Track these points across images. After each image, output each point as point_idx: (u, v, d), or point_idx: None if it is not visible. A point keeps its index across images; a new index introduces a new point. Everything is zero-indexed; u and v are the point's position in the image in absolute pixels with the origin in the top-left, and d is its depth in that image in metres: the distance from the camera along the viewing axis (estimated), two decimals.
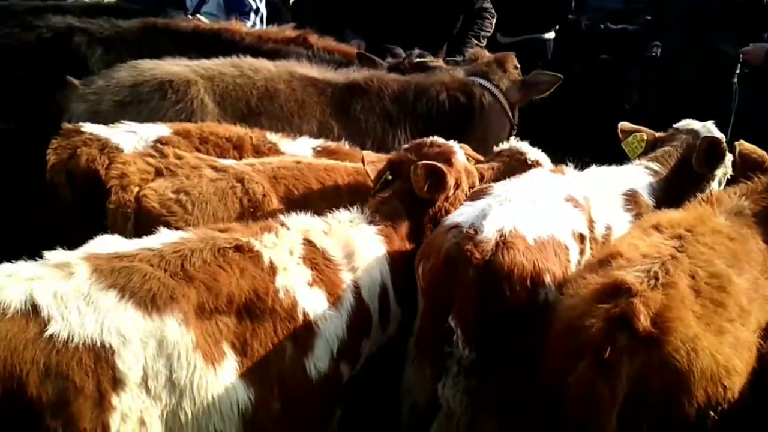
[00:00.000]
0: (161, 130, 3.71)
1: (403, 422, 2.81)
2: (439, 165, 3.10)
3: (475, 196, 3.01)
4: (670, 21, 5.92)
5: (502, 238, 2.60)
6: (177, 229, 2.85)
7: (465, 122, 4.57)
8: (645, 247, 2.53)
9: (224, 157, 3.66)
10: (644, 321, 2.18)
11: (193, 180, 3.32)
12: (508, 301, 2.57)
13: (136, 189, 3.26)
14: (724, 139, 3.62)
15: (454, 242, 2.66)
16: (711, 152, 3.36)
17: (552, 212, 2.86)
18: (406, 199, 3.14)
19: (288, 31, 5.32)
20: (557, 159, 3.87)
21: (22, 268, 2.25)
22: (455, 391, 2.64)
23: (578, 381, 2.22)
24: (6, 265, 2.26)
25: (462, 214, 2.82)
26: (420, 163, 3.09)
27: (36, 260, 2.31)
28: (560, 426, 2.32)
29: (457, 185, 3.18)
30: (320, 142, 3.97)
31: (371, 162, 3.38)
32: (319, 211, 3.01)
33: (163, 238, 2.58)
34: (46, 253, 2.34)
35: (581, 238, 2.91)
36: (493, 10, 6.32)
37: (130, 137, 3.60)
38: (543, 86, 4.83)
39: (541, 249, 2.66)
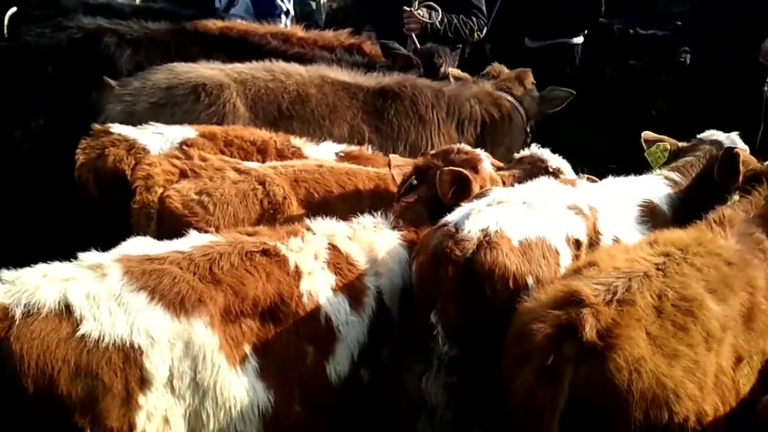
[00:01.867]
0: (187, 132, 3.77)
1: (399, 419, 2.82)
2: (465, 172, 3.11)
3: (474, 197, 3.01)
4: (705, 27, 5.87)
5: (486, 237, 2.60)
6: (198, 229, 2.90)
7: (493, 134, 4.67)
8: (621, 261, 2.51)
9: (248, 160, 3.72)
10: (590, 332, 2.18)
11: (216, 182, 3.37)
12: (489, 300, 2.57)
13: (161, 190, 3.33)
14: (747, 150, 3.58)
15: (438, 240, 2.68)
16: (731, 163, 3.32)
17: (546, 216, 2.84)
18: (431, 205, 3.14)
19: (344, 36, 5.36)
20: (584, 165, 3.88)
21: (57, 268, 2.32)
22: (436, 386, 2.67)
23: (521, 385, 2.24)
24: (42, 266, 2.32)
25: (453, 214, 2.84)
26: (446, 169, 3.10)
27: (70, 261, 2.36)
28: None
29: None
30: (343, 147, 4.00)
31: (397, 166, 3.40)
32: (339, 215, 3.03)
33: (192, 241, 2.63)
34: (81, 255, 2.40)
35: (577, 244, 2.87)
36: (484, 12, 6.27)
37: (157, 138, 3.67)
38: (557, 101, 4.96)
39: (527, 251, 2.66)
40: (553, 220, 2.86)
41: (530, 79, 5.04)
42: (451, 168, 3.11)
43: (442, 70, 5.23)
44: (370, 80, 4.59)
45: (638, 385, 2.18)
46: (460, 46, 6.30)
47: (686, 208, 3.26)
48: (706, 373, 2.35)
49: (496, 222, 2.68)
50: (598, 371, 2.19)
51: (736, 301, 2.55)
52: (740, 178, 3.17)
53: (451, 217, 2.81)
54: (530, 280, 2.62)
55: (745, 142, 3.72)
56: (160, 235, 2.87)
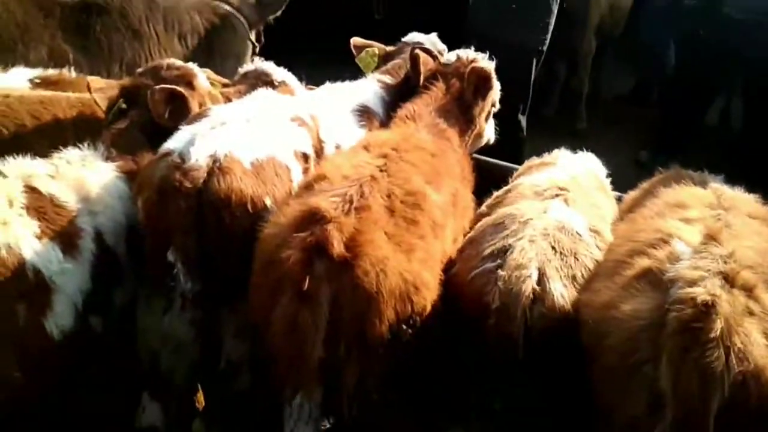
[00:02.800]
0: None
1: (141, 363, 2.67)
2: (179, 89, 2.90)
3: (192, 119, 2.83)
4: None
5: (216, 164, 2.49)
6: None
7: (220, 45, 4.44)
8: (348, 169, 2.53)
9: None
10: (338, 247, 2.21)
11: None
12: (229, 228, 2.49)
13: None
14: (446, 49, 3.76)
15: (164, 172, 2.50)
16: (414, 63, 3.42)
17: (272, 132, 2.78)
18: (147, 129, 2.91)
19: None
20: None
21: None
22: (181, 323, 2.55)
23: (281, 315, 2.20)
24: None
25: (173, 141, 2.64)
26: (157, 87, 2.87)
27: None
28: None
29: None
30: (38, 72, 3.48)
31: (99, 89, 3.04)
32: (40, 152, 2.68)
33: None
34: None
35: (305, 157, 2.88)
36: None
37: None
38: (276, 5, 4.86)
39: (260, 172, 2.59)
40: (280, 135, 2.80)
41: None
42: (163, 86, 2.88)
43: None
44: None
45: (386, 284, 2.25)
46: None
47: (397, 109, 3.36)
48: (435, 260, 2.54)
49: (223, 145, 2.54)
50: (348, 281, 2.22)
51: (447, 189, 2.76)
52: (421, 78, 3.36)
53: (173, 145, 2.60)
54: (268, 201, 2.57)
55: None
56: None
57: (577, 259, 2.48)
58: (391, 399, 2.43)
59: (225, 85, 3.64)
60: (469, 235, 2.75)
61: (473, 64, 3.29)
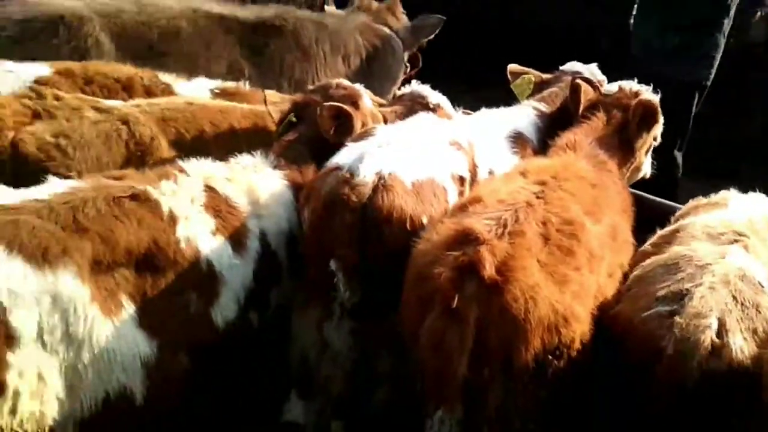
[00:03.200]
0: (41, 69, 3.45)
1: (292, 367, 2.81)
2: (346, 107, 3.04)
3: (359, 137, 2.97)
4: None
5: (381, 181, 2.59)
6: (58, 175, 2.67)
7: (380, 66, 4.65)
8: (504, 194, 2.55)
9: (112, 99, 3.44)
10: (489, 269, 2.21)
11: (73, 122, 3.11)
12: (388, 244, 2.57)
13: (11, 134, 3.03)
14: (605, 81, 3.73)
15: (332, 186, 2.64)
16: (574, 93, 3.43)
17: (432, 155, 2.87)
18: (312, 143, 3.07)
19: None
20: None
21: None
22: (339, 333, 2.66)
23: (429, 330, 2.23)
24: None
25: (342, 157, 2.77)
26: (327, 104, 3.02)
27: None
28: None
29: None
30: (218, 83, 3.81)
31: (274, 103, 3.27)
32: (214, 156, 2.90)
33: (51, 188, 2.42)
34: None
35: (461, 180, 2.95)
36: None
37: (8, 77, 3.35)
38: (429, 29, 5.01)
39: (420, 192, 2.67)
40: (439, 158, 2.89)
41: (400, 9, 5.06)
42: (332, 104, 3.03)
43: None
44: (248, 12, 4.40)
45: (535, 312, 2.24)
46: None
47: (553, 137, 3.37)
48: (589, 294, 2.48)
49: (388, 164, 2.65)
50: (496, 305, 2.22)
51: (606, 220, 2.70)
52: (581, 107, 3.33)
53: (342, 160, 2.74)
54: (425, 221, 2.64)
55: None
56: (17, 183, 2.61)
57: (759, 312, 2.32)
58: (532, 429, 2.38)
59: (380, 105, 3.79)
60: (635, 273, 2.66)
61: (640, 97, 3.22)
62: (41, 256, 2.18)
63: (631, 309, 2.43)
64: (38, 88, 3.26)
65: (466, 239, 2.31)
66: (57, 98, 3.15)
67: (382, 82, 4.39)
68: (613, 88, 3.39)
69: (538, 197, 2.55)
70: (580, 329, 2.39)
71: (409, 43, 4.97)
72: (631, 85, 3.37)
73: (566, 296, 2.35)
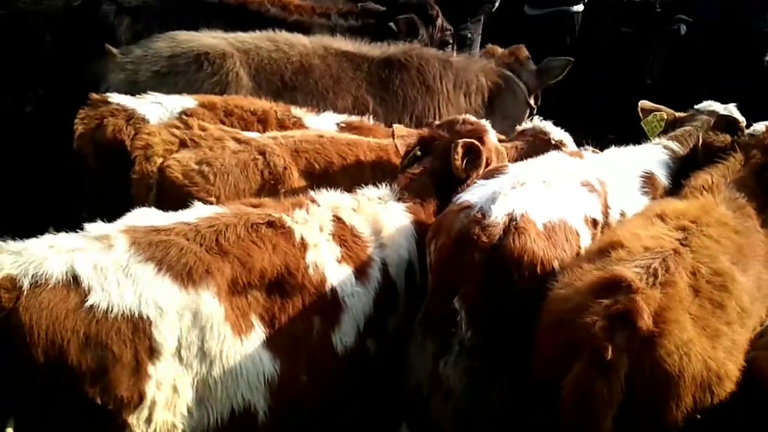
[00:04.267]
0: (187, 101, 3.75)
1: (404, 399, 2.81)
2: (477, 144, 3.08)
3: (489, 174, 2.95)
4: None
5: (513, 222, 2.55)
6: (199, 199, 2.88)
7: (500, 106, 4.73)
8: (648, 239, 2.42)
9: (249, 131, 3.69)
10: (647, 319, 2.10)
11: (216, 151, 3.35)
12: (515, 286, 2.52)
13: (160, 160, 3.32)
14: (744, 122, 3.57)
15: (463, 224, 2.61)
16: (723, 130, 3.30)
17: (565, 196, 2.81)
18: (436, 177, 3.13)
19: (340, 2, 5.37)
20: (580, 136, 3.88)
21: (64, 239, 2.30)
22: (456, 370, 2.62)
23: (576, 381, 2.12)
24: (48, 237, 2.31)
25: (474, 194, 2.74)
26: (460, 141, 3.06)
27: (77, 232, 2.35)
28: (556, 421, 2.22)
29: (488, 164, 3.13)
30: (344, 118, 3.98)
31: (401, 136, 3.37)
32: (341, 186, 3.02)
33: (198, 212, 2.62)
34: (87, 226, 2.38)
35: (594, 223, 2.86)
36: None
37: (156, 108, 3.65)
38: (555, 72, 5.01)
39: (551, 235, 2.60)
40: (571, 199, 2.83)
41: (525, 53, 5.08)
42: (465, 140, 3.06)
43: (438, 22, 5.21)
44: (375, 50, 4.58)
45: (689, 369, 2.14)
46: (482, 17, 6.28)
47: (685, 178, 3.24)
48: (741, 350, 2.34)
49: (521, 205, 2.61)
50: (648, 359, 2.12)
51: (752, 271, 2.54)
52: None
53: (474, 199, 2.71)
54: (556, 265, 2.57)
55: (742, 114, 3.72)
56: (160, 205, 2.85)
57: None
58: None
59: (500, 140, 3.81)
60: None
61: None
62: (186, 275, 2.36)
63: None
64: (185, 119, 3.54)
65: (617, 287, 2.20)
66: (202, 129, 3.41)
67: (502, 121, 4.41)
68: (760, 128, 3.23)
69: (682, 244, 2.42)
70: (730, 388, 2.24)
71: (534, 86, 4.99)
72: None
73: (719, 352, 2.22)
